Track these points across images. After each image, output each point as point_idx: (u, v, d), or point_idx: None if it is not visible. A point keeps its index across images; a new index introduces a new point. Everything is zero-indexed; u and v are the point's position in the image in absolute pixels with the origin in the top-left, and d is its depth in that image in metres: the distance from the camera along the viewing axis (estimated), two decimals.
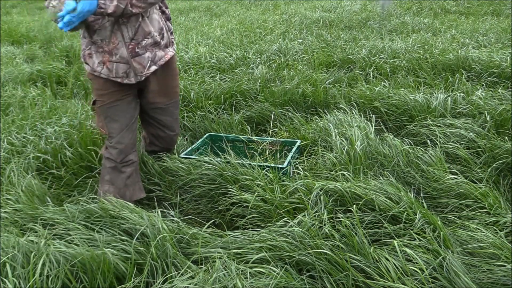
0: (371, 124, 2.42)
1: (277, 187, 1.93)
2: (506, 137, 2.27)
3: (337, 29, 5.35)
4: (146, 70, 1.93)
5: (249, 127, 2.83)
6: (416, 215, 1.64)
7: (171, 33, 2.08)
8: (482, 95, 2.71)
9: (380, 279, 1.42)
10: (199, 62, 4.11)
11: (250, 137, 2.55)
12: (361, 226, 1.60)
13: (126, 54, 1.86)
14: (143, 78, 1.94)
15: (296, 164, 2.30)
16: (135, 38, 1.86)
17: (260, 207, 1.88)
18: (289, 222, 1.67)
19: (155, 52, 1.94)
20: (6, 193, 2.07)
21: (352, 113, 2.65)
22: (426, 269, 1.41)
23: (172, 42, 2.08)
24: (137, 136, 2.11)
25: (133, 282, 1.49)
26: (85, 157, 2.43)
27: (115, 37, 1.84)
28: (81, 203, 1.88)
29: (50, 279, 1.45)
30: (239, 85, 3.39)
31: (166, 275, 1.52)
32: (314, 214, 1.70)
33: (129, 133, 2.00)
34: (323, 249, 1.50)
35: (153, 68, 1.95)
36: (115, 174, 2.00)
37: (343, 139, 2.29)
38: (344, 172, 2.00)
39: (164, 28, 1.98)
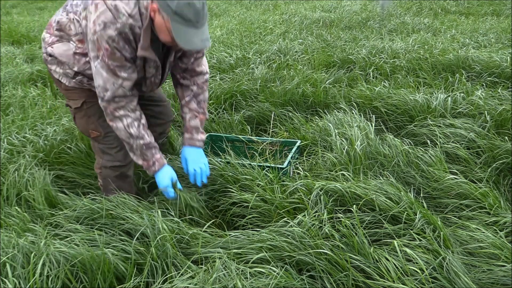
0: (371, 124, 2.42)
1: (277, 187, 1.93)
2: (506, 137, 2.27)
3: (337, 29, 5.35)
4: None
5: (249, 127, 2.83)
6: (416, 215, 1.64)
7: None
8: (482, 95, 2.71)
9: (380, 279, 1.42)
10: None
11: (250, 137, 2.55)
12: (361, 226, 1.60)
13: None
14: None
15: (296, 164, 2.30)
16: None
17: (260, 207, 1.88)
18: (289, 222, 1.67)
19: None
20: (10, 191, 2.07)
21: (352, 113, 2.65)
22: (426, 269, 1.41)
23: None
24: None
25: (133, 282, 1.49)
26: (86, 156, 2.44)
27: None
28: (82, 202, 1.88)
29: (50, 279, 1.45)
30: (239, 85, 3.39)
31: (166, 275, 1.52)
32: (314, 214, 1.70)
33: None
34: (323, 249, 1.50)
35: None
36: (121, 181, 1.97)
37: (343, 139, 2.29)
38: (344, 172, 2.00)
39: None
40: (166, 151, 2.39)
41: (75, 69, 1.79)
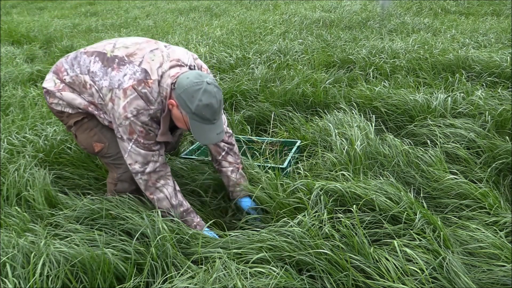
0: (371, 124, 2.42)
1: (279, 183, 1.93)
2: (506, 137, 2.27)
3: (337, 29, 5.35)
4: None
5: (249, 127, 2.83)
6: (416, 215, 1.64)
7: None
8: (482, 95, 2.71)
9: (380, 279, 1.42)
10: None
11: (250, 137, 2.55)
12: (361, 226, 1.60)
13: None
14: None
15: (297, 164, 2.30)
16: None
17: (264, 202, 1.89)
18: (289, 222, 1.67)
19: None
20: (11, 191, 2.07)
21: (352, 113, 2.65)
22: (426, 269, 1.41)
23: None
24: None
25: (133, 282, 1.49)
26: (86, 156, 2.44)
27: None
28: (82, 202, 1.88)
29: (50, 279, 1.45)
30: (239, 85, 3.39)
31: (166, 275, 1.52)
32: (314, 214, 1.70)
33: None
34: (323, 249, 1.50)
35: None
36: (138, 194, 1.97)
37: (343, 139, 2.29)
38: (344, 172, 2.00)
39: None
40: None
41: (80, 107, 1.84)
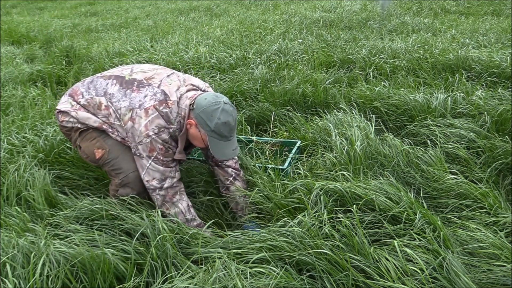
0: (371, 124, 2.42)
1: (279, 184, 1.93)
2: (506, 137, 2.27)
3: (337, 29, 5.35)
4: None
5: (249, 127, 2.83)
6: (416, 215, 1.64)
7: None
8: (482, 95, 2.71)
9: (380, 279, 1.42)
10: (199, 62, 4.11)
11: (250, 137, 2.55)
12: (361, 226, 1.60)
13: None
14: None
15: (297, 164, 2.30)
16: None
17: (262, 203, 1.89)
18: (289, 222, 1.67)
19: None
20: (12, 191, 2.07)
21: (352, 113, 2.65)
22: (426, 269, 1.41)
23: None
24: None
25: (133, 282, 1.49)
26: None
27: None
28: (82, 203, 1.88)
29: (50, 279, 1.45)
30: (239, 85, 3.39)
31: (166, 275, 1.52)
32: (314, 214, 1.70)
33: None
34: (323, 249, 1.50)
35: None
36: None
37: (343, 139, 2.29)
38: (344, 172, 2.00)
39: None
40: None
41: (95, 125, 1.91)
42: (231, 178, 2.02)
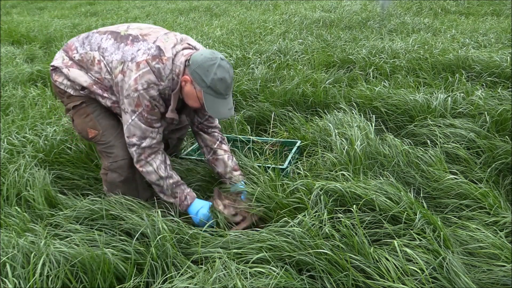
0: (371, 124, 2.42)
1: (279, 184, 1.93)
2: (506, 137, 2.27)
3: (337, 29, 5.35)
4: None
5: (249, 127, 2.83)
6: (416, 215, 1.64)
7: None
8: (482, 95, 2.71)
9: (380, 279, 1.42)
10: None
11: (250, 137, 2.55)
12: (361, 226, 1.60)
13: None
14: None
15: (297, 164, 2.30)
16: None
17: (263, 202, 1.89)
18: (289, 222, 1.67)
19: None
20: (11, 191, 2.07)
21: (352, 113, 2.65)
22: (426, 269, 1.41)
23: None
24: None
25: (133, 282, 1.49)
26: (86, 156, 2.43)
27: None
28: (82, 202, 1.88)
29: (50, 279, 1.45)
30: (239, 85, 3.39)
31: (166, 275, 1.52)
32: (314, 214, 1.70)
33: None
34: (323, 249, 1.50)
35: None
36: (126, 186, 1.97)
37: (343, 139, 2.29)
38: (344, 172, 2.00)
39: None
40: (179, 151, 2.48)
41: (85, 85, 1.86)
42: (218, 142, 2.03)
